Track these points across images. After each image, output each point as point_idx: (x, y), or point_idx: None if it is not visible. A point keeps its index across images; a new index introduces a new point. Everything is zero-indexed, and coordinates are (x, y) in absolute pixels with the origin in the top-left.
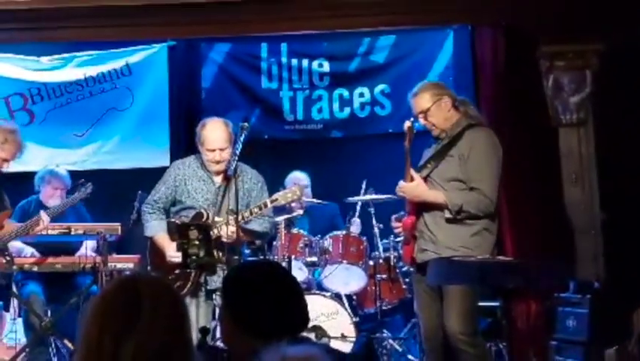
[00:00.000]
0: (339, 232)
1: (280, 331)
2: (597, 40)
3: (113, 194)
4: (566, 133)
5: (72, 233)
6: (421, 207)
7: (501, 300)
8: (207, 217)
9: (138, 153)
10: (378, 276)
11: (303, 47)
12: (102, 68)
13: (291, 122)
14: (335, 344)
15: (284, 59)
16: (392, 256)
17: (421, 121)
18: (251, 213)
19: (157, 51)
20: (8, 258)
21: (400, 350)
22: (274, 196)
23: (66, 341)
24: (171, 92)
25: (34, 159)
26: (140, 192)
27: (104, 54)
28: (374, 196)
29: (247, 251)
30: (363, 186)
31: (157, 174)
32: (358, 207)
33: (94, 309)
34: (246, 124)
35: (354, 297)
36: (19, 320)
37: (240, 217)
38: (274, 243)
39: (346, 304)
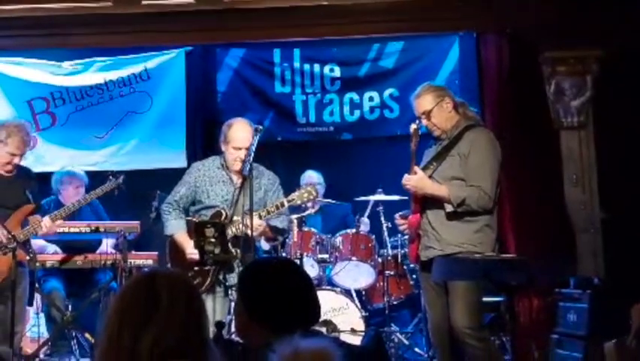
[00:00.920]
0: (349, 231)
1: (293, 324)
2: (597, 46)
3: (132, 194)
4: (568, 136)
5: (93, 231)
6: (425, 206)
7: (504, 296)
8: (226, 216)
9: (156, 155)
10: (387, 272)
11: (314, 53)
12: (122, 72)
13: (304, 124)
14: (345, 338)
15: (296, 64)
16: (399, 254)
17: (424, 122)
18: (268, 213)
19: (174, 56)
20: (31, 255)
21: (407, 343)
22: (291, 196)
23: (87, 335)
24: (188, 96)
25: (56, 160)
26: (158, 192)
27: (124, 59)
28: (383, 196)
29: (265, 248)
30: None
31: (174, 174)
32: (369, 207)
33: (115, 304)
34: (260, 126)
35: (364, 293)
36: (42, 315)
37: (258, 216)
38: (287, 240)
39: (356, 300)
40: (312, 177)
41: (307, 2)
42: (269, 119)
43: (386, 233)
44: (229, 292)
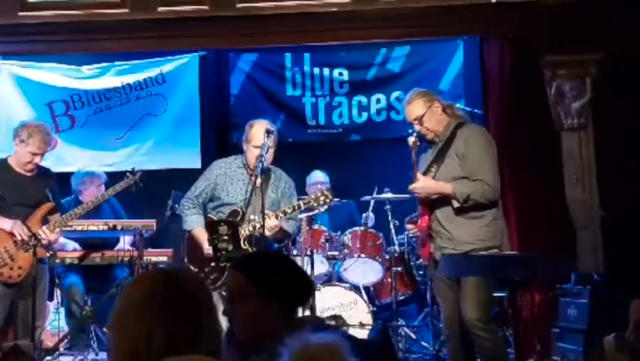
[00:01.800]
0: (357, 228)
1: (305, 295)
2: (596, 50)
3: (148, 193)
4: (568, 137)
5: (111, 229)
6: (433, 208)
7: (507, 291)
8: (242, 215)
9: (171, 155)
10: (394, 269)
11: (324, 57)
12: (138, 76)
13: (313, 126)
14: (353, 332)
15: (307, 68)
16: (406, 251)
17: (416, 127)
18: (285, 213)
19: (189, 61)
20: (52, 252)
21: (414, 337)
22: (307, 199)
23: (105, 329)
24: (202, 99)
25: (76, 160)
26: (173, 191)
27: (140, 64)
28: (390, 195)
29: (274, 246)
30: (376, 188)
31: (189, 174)
32: (372, 204)
33: (128, 301)
34: (271, 128)
35: (372, 288)
36: (62, 310)
37: (275, 216)
38: (297, 238)
39: (364, 295)
40: (318, 177)
41: (317, 9)
42: (280, 122)
43: (393, 231)
44: None
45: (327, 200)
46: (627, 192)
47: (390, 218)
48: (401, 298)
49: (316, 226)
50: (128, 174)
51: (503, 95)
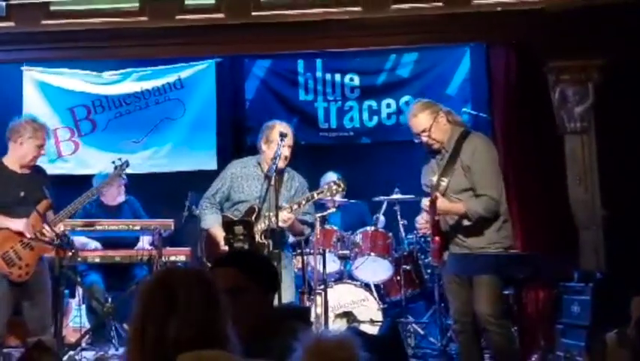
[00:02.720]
0: (368, 228)
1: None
2: (598, 57)
3: (166, 194)
4: (571, 140)
5: (131, 229)
6: (448, 222)
7: (513, 288)
8: (258, 211)
9: (189, 158)
10: (403, 267)
11: (335, 63)
12: (157, 82)
13: (325, 129)
14: (364, 328)
15: (319, 74)
16: (415, 250)
17: (423, 139)
18: (299, 206)
19: (206, 67)
20: (73, 250)
21: (422, 333)
22: (320, 189)
23: (125, 325)
24: (218, 103)
25: (97, 163)
26: (190, 192)
27: (159, 70)
28: (399, 196)
29: (290, 241)
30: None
31: (206, 176)
32: (384, 206)
33: (138, 299)
34: (285, 131)
35: (382, 286)
36: (83, 306)
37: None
38: (310, 237)
39: (374, 292)
40: (332, 179)
41: (329, 17)
42: (293, 125)
43: (402, 230)
44: None
45: (340, 188)
46: (628, 192)
47: (399, 218)
48: (410, 295)
49: (328, 226)
50: (115, 166)
51: (509, 100)
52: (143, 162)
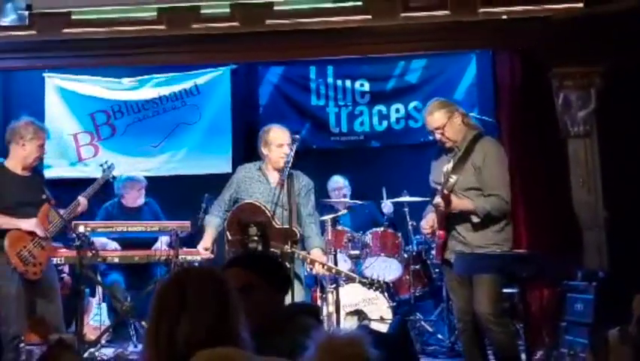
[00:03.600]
0: (377, 229)
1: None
2: (600, 63)
3: (183, 196)
4: (574, 143)
5: (149, 230)
6: (450, 216)
7: (518, 287)
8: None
9: (204, 161)
10: (412, 267)
11: (346, 70)
12: (174, 88)
13: (337, 134)
14: (374, 325)
15: (330, 80)
16: (423, 250)
17: (437, 136)
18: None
19: (221, 74)
20: (94, 251)
21: (431, 330)
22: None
23: (143, 323)
24: (233, 109)
25: (117, 166)
26: (206, 194)
27: (176, 76)
28: (408, 198)
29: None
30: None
31: (221, 178)
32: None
33: (153, 299)
34: (297, 136)
35: (391, 285)
36: (104, 305)
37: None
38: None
39: (384, 291)
40: (338, 182)
41: (340, 25)
42: (305, 130)
43: (411, 231)
44: None
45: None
46: (629, 194)
47: (408, 219)
48: (418, 294)
49: (339, 227)
50: (102, 169)
51: (514, 104)
52: (161, 165)
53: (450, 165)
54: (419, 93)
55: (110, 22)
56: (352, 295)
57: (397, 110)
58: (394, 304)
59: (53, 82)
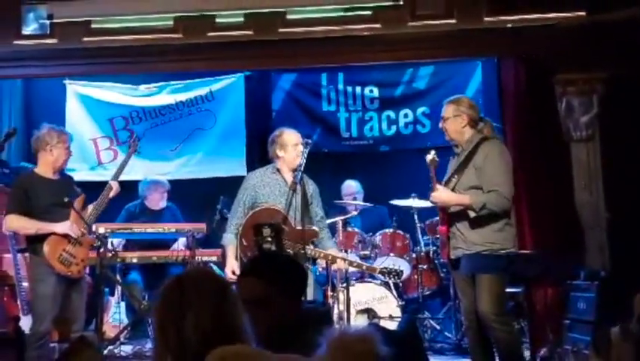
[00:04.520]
0: (387, 230)
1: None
2: (602, 70)
3: (199, 199)
4: (577, 147)
5: (167, 232)
6: (452, 214)
7: (523, 286)
8: (285, 219)
9: (220, 165)
10: (420, 266)
11: (356, 76)
12: (190, 94)
13: (347, 138)
14: (384, 323)
15: (340, 86)
16: (431, 250)
17: (440, 123)
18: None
19: (235, 80)
20: (113, 252)
21: (438, 328)
22: None
23: None
24: (247, 114)
25: (135, 170)
26: (221, 197)
27: (192, 83)
28: (416, 201)
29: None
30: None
31: (235, 182)
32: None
33: (157, 301)
34: (309, 140)
35: (400, 284)
36: (122, 304)
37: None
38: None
39: (393, 290)
40: (351, 186)
41: (350, 33)
42: (317, 134)
43: (419, 232)
44: None
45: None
46: (630, 196)
47: (416, 221)
48: (426, 293)
49: (350, 228)
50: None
51: (518, 110)
52: (178, 169)
53: (452, 167)
54: (427, 99)
55: (128, 30)
56: (362, 293)
57: (406, 116)
58: (403, 302)
59: (74, 88)
